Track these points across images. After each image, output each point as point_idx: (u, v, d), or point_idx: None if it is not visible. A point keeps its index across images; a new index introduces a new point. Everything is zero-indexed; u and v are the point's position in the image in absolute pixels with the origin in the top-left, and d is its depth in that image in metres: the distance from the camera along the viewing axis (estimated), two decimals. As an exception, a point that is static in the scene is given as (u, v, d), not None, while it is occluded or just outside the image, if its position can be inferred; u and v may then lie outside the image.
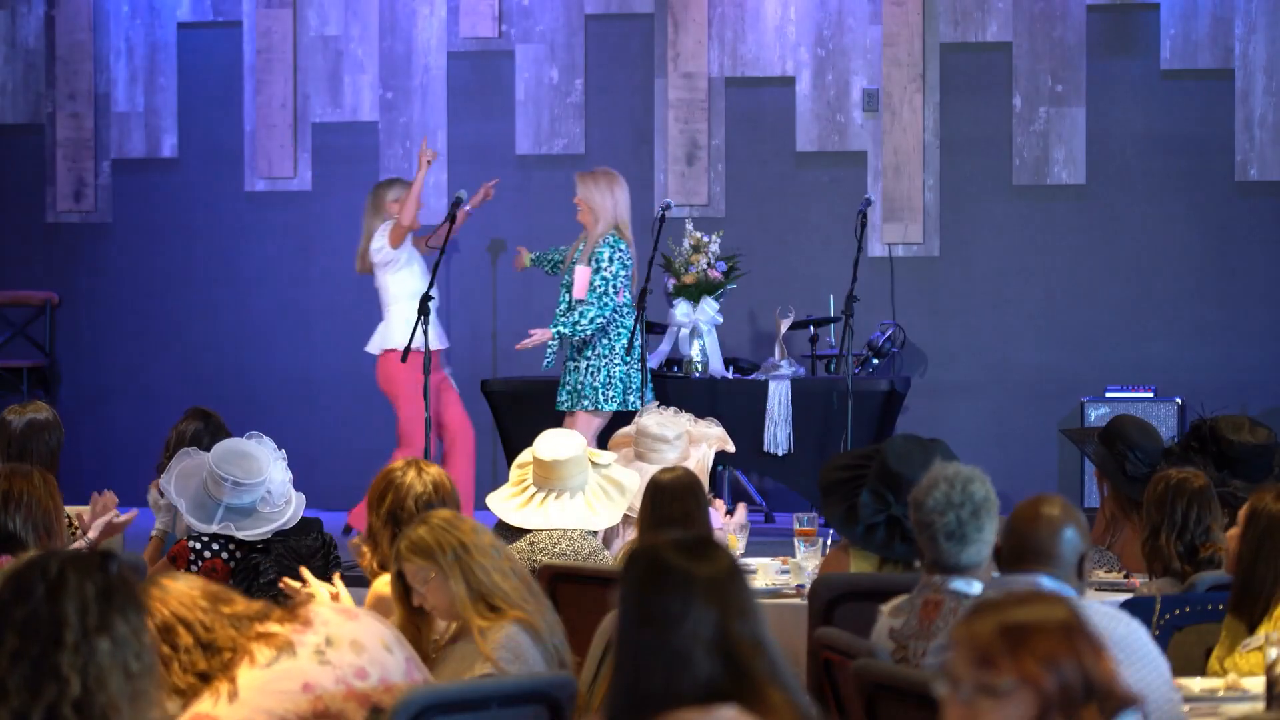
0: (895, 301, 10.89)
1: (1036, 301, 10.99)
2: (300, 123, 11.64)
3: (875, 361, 10.45)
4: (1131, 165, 10.93)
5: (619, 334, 9.29)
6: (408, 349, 9.70)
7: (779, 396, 9.70)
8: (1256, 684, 4.21)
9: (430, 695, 3.77)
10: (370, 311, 11.44)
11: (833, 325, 10.58)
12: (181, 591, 3.77)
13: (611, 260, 9.23)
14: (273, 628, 3.78)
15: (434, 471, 5.16)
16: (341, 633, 3.84)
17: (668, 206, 9.98)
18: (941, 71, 11.08)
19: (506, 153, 11.42)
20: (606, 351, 9.30)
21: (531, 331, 9.33)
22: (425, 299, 9.58)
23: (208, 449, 5.90)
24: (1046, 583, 4.08)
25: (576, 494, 6.09)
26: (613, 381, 9.24)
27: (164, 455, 6.58)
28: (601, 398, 9.24)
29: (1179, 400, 10.37)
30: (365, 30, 11.59)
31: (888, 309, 10.89)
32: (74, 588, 2.83)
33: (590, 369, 9.29)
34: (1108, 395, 10.51)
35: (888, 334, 10.62)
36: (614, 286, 9.23)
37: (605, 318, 9.21)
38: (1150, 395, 10.45)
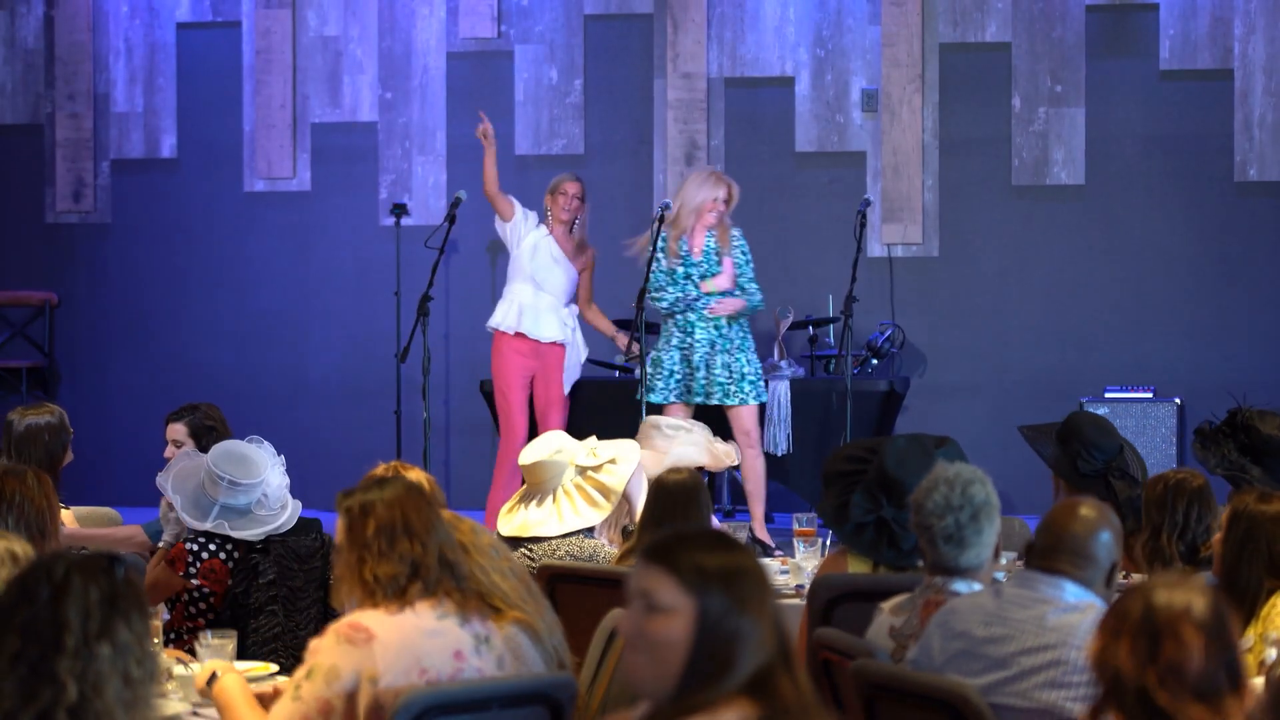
0: (894, 302, 10.89)
1: (1036, 301, 10.99)
2: (299, 123, 11.64)
3: (874, 362, 10.44)
4: (1131, 165, 10.93)
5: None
6: (406, 349, 9.72)
7: (778, 397, 9.71)
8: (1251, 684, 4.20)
9: (431, 696, 3.77)
10: (366, 311, 11.46)
11: (832, 325, 10.58)
12: (420, 506, 3.99)
13: (746, 250, 9.35)
14: (462, 600, 3.96)
15: (414, 475, 5.14)
16: (498, 644, 3.99)
17: (666, 207, 9.98)
18: (941, 72, 11.08)
19: (506, 153, 11.40)
20: (753, 344, 9.36)
21: (723, 301, 9.24)
22: (424, 299, 9.60)
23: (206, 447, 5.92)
24: (1070, 589, 4.08)
25: (546, 498, 6.09)
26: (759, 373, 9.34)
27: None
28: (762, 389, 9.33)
29: (1178, 400, 10.37)
30: (364, 30, 11.59)
31: (887, 309, 10.88)
32: (78, 592, 2.83)
33: (752, 362, 9.30)
34: (1107, 395, 10.51)
35: (887, 334, 10.62)
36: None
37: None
38: (1149, 396, 10.45)
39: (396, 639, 3.84)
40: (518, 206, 9.86)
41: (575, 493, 6.10)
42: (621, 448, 6.33)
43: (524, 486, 6.19)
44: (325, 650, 3.85)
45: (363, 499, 3.99)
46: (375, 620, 3.86)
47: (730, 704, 2.86)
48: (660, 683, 2.95)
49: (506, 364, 9.66)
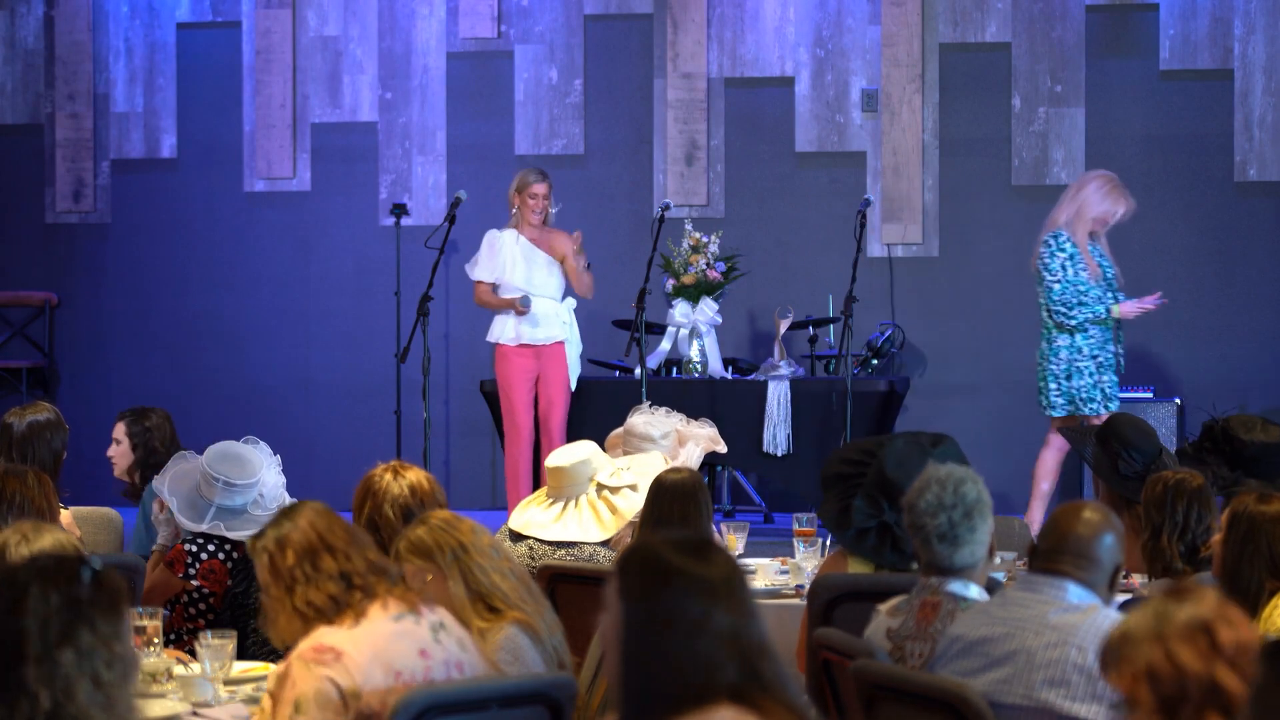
0: (894, 302, 10.89)
1: (1036, 301, 10.98)
2: (299, 123, 11.65)
3: (874, 362, 10.44)
4: (1131, 165, 10.93)
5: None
6: (406, 349, 9.73)
7: (778, 397, 9.71)
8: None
9: (430, 696, 3.77)
10: (366, 311, 11.46)
11: (832, 325, 10.59)
12: (331, 523, 3.97)
13: None
14: (403, 595, 3.95)
15: (412, 475, 5.15)
16: (452, 626, 3.97)
17: (667, 207, 9.99)
18: (941, 72, 11.08)
19: (506, 153, 11.42)
20: None
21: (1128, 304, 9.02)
22: (424, 299, 9.60)
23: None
24: (1073, 590, 4.09)
25: (557, 505, 6.09)
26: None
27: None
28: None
29: (1178, 400, 10.37)
30: (364, 30, 11.59)
31: (887, 309, 10.88)
32: (37, 599, 2.82)
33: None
34: (1107, 395, 10.50)
35: (887, 334, 10.62)
36: None
37: None
38: (1150, 395, 10.45)
39: (365, 650, 3.80)
40: (490, 272, 9.66)
41: (587, 508, 6.10)
42: (647, 473, 6.33)
43: (545, 485, 6.22)
44: (301, 679, 3.78)
45: (275, 534, 3.95)
46: (338, 638, 3.82)
47: (713, 711, 2.83)
48: (612, 681, 2.96)
49: (511, 371, 9.62)
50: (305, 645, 3.82)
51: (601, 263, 10.59)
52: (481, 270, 9.69)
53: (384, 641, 3.83)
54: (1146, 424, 6.41)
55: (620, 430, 6.98)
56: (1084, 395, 8.97)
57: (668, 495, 5.63)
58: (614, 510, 6.12)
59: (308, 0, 11.63)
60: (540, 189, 9.65)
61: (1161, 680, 2.93)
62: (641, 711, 2.88)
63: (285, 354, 11.66)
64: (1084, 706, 3.96)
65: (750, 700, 2.84)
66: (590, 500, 6.12)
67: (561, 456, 6.19)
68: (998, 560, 4.79)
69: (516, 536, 6.00)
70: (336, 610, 3.86)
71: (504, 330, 9.66)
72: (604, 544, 6.06)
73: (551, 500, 6.11)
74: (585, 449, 6.27)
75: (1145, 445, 6.21)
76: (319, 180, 11.64)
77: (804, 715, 2.90)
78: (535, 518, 6.05)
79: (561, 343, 9.65)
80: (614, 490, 6.16)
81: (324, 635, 3.82)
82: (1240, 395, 10.64)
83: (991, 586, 4.49)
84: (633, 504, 6.15)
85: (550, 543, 5.98)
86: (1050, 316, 8.98)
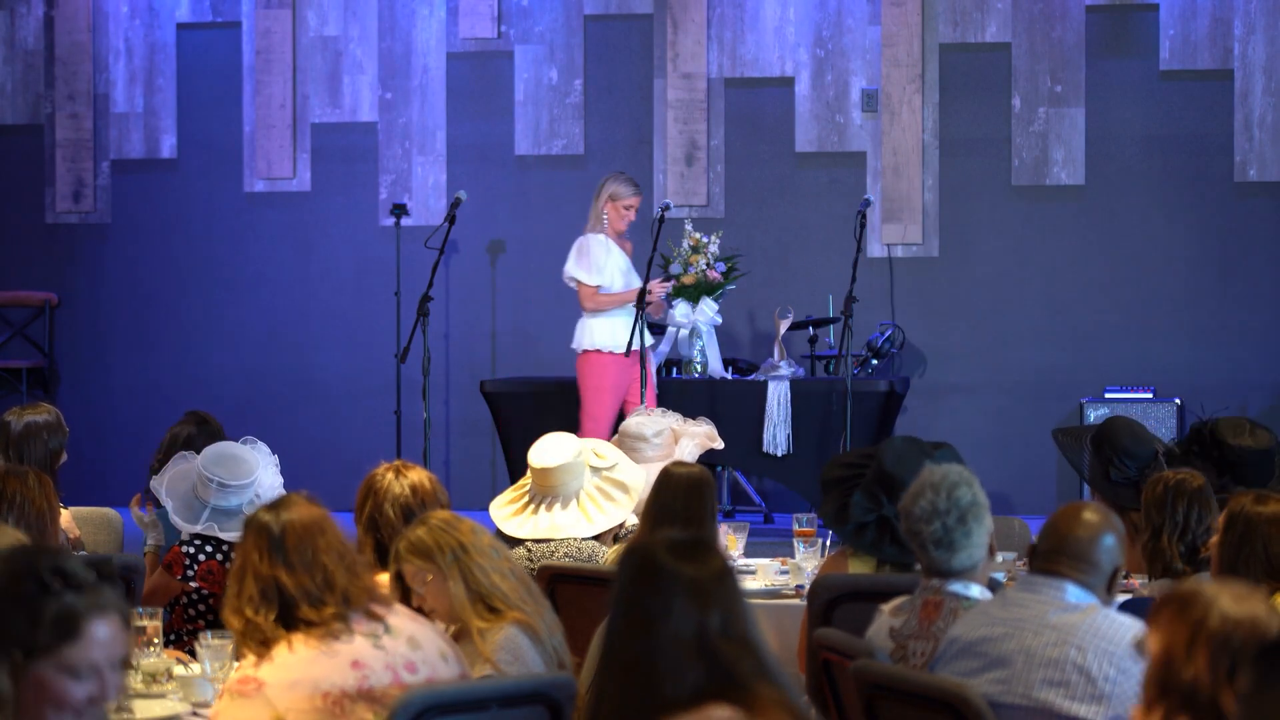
0: (894, 302, 10.89)
1: (1036, 302, 10.99)
2: (299, 123, 11.64)
3: (874, 362, 10.45)
4: (1131, 165, 10.93)
5: None
6: (406, 349, 9.72)
7: (778, 397, 9.70)
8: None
9: (430, 695, 3.78)
10: (366, 311, 11.46)
11: (832, 326, 10.59)
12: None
13: None
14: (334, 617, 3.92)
15: (414, 475, 5.14)
16: (402, 626, 3.95)
17: (667, 207, 9.98)
18: (941, 72, 11.08)
19: (505, 153, 11.42)
20: None
21: None
22: (424, 300, 9.59)
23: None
24: (1071, 590, 4.09)
25: (570, 501, 6.06)
26: None
27: (156, 457, 6.54)
28: None
29: (1178, 401, 10.37)
30: (364, 31, 11.59)
31: (887, 309, 10.88)
32: None
33: None
34: (1107, 396, 10.51)
35: (887, 334, 10.62)
36: None
37: None
38: (1149, 396, 10.45)
39: (285, 678, 3.81)
40: (604, 276, 9.49)
41: (597, 494, 6.09)
42: (606, 447, 6.32)
43: (528, 487, 6.14)
44: (224, 712, 3.84)
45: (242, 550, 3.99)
46: (261, 671, 3.84)
47: (709, 711, 2.83)
48: (597, 674, 2.99)
49: (614, 380, 9.37)
50: (233, 677, 3.89)
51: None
52: (597, 275, 9.45)
53: (306, 666, 3.82)
54: (1143, 428, 6.38)
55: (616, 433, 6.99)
56: None
57: (672, 488, 5.61)
58: (621, 486, 6.11)
59: (308, 0, 11.63)
60: (634, 202, 9.53)
61: (1168, 673, 2.93)
62: (612, 710, 2.89)
63: (285, 354, 11.66)
64: (1083, 707, 3.96)
65: (744, 699, 2.84)
66: (597, 485, 6.11)
67: (557, 455, 6.13)
68: (999, 560, 4.79)
69: (514, 541, 5.97)
70: (262, 640, 3.86)
71: (613, 336, 9.40)
72: (595, 538, 6.04)
73: (560, 500, 6.07)
74: (568, 439, 6.23)
75: (1139, 451, 6.19)
76: (319, 180, 11.64)
77: (796, 711, 2.91)
78: (559, 520, 6.02)
79: (648, 347, 9.52)
80: (609, 468, 6.15)
81: (249, 667, 3.85)
82: (1240, 395, 10.64)
83: (992, 586, 4.49)
84: (633, 474, 6.15)
85: (589, 540, 5.96)
86: None
